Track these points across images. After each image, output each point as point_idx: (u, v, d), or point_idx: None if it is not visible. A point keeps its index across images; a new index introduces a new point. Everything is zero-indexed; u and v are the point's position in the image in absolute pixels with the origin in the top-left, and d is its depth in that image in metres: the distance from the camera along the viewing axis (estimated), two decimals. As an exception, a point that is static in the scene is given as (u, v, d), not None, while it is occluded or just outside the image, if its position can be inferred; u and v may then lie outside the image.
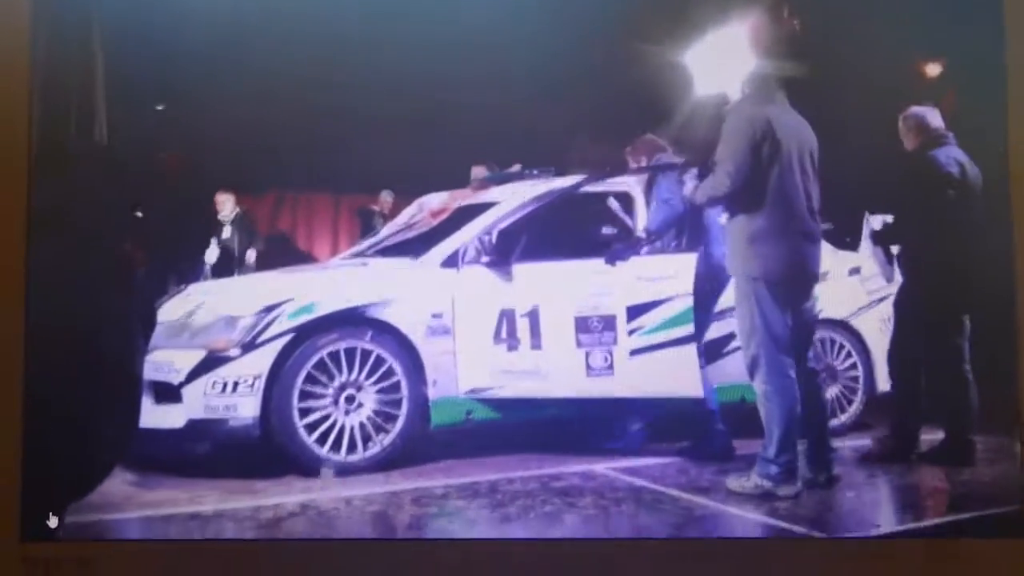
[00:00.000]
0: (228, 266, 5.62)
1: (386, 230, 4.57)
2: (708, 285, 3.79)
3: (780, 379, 3.27)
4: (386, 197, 5.58)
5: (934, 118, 3.78)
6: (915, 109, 3.82)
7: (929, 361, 3.74)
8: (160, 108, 5.24)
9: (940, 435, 3.75)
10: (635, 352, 3.75)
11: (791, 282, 3.33)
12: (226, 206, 5.78)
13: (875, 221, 4.05)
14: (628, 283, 3.82)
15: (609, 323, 3.76)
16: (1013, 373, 2.90)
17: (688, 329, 3.71)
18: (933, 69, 5.37)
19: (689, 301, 3.72)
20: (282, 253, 5.98)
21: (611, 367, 3.75)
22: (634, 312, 3.77)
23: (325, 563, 2.84)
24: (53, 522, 2.88)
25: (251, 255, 5.71)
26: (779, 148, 3.28)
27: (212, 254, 5.40)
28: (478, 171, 4.47)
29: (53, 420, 2.65)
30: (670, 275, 3.80)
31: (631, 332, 3.76)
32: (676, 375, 3.71)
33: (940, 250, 3.65)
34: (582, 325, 3.78)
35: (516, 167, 4.45)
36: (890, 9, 4.11)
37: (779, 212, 3.29)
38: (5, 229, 2.78)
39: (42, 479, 2.72)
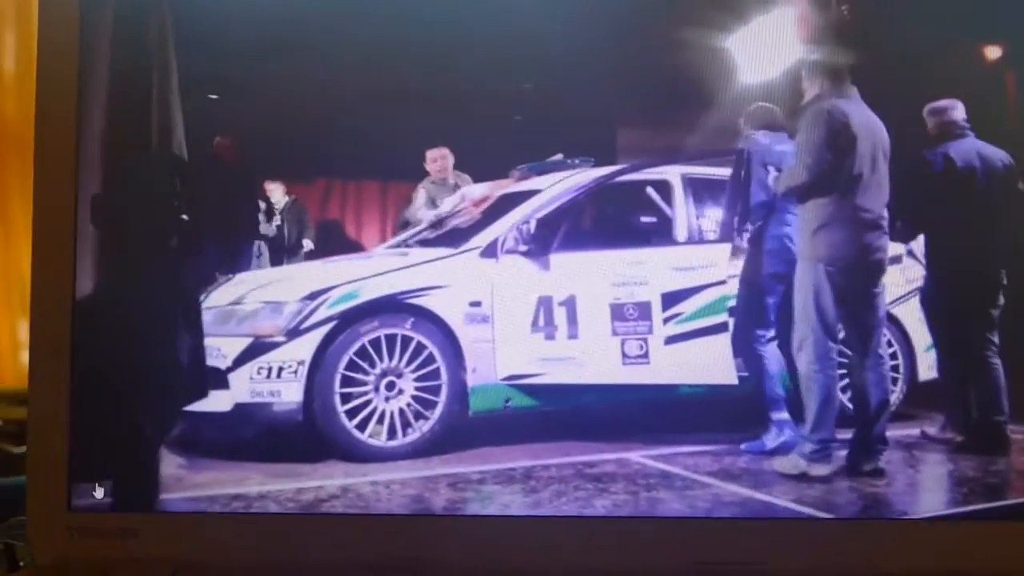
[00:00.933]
0: (279, 255, 5.73)
1: (428, 219, 4.63)
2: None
3: (823, 361, 3.45)
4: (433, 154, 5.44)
5: (955, 111, 3.69)
6: (938, 103, 3.75)
7: (955, 351, 3.72)
8: (214, 97, 5.36)
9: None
10: (670, 340, 3.80)
11: (854, 270, 3.47)
12: (276, 194, 5.89)
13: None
14: (662, 272, 3.87)
15: (644, 311, 3.81)
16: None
17: (721, 318, 3.75)
18: (992, 52, 5.27)
19: (723, 290, 3.78)
20: (332, 241, 6.07)
21: (646, 355, 3.80)
22: (668, 300, 3.82)
23: (361, 536, 2.95)
24: (99, 493, 3.04)
25: (303, 244, 5.82)
26: (854, 141, 3.42)
27: (263, 243, 5.51)
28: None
29: (101, 395, 2.80)
30: (704, 264, 3.85)
31: (666, 320, 3.81)
32: (709, 363, 3.75)
33: (959, 244, 3.63)
34: (617, 313, 3.83)
35: (557, 156, 4.49)
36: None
37: (848, 201, 3.44)
38: (56, 218, 2.92)
39: (89, 451, 2.86)
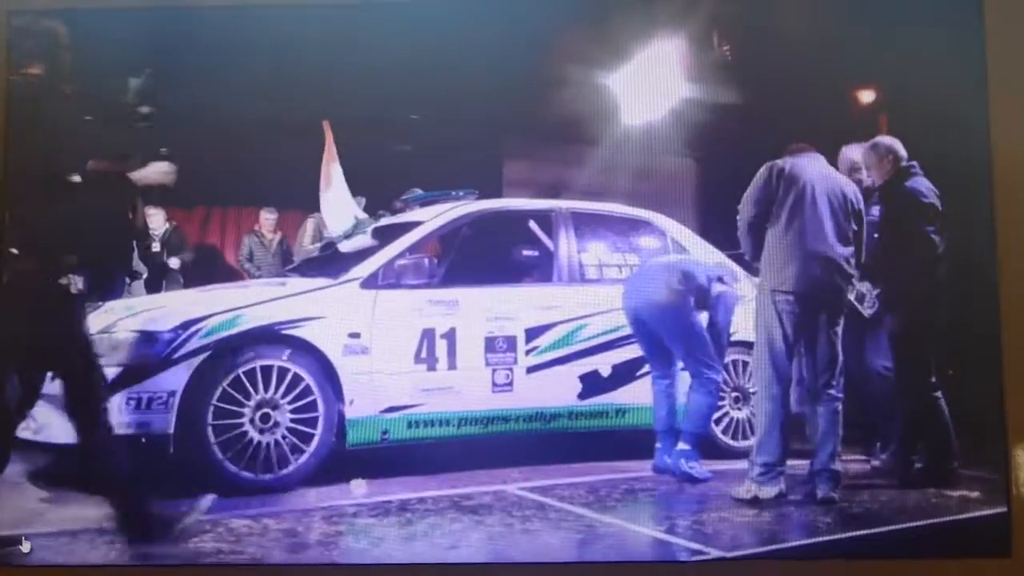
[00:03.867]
0: (157, 282, 5.58)
1: (307, 248, 4.62)
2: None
3: (769, 388, 3.62)
4: (268, 215, 5.38)
5: (901, 148, 3.86)
6: (882, 139, 3.90)
7: (904, 389, 3.84)
8: (88, 119, 5.19)
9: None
10: (531, 369, 4.04)
11: (805, 302, 3.62)
12: (156, 220, 5.73)
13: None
14: (526, 309, 4.06)
15: (511, 343, 3.99)
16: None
17: (571, 349, 4.10)
18: (866, 95, 5.50)
19: (571, 325, 4.10)
20: (211, 269, 5.94)
21: (511, 383, 3.99)
22: (532, 334, 4.04)
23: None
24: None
25: (180, 271, 5.67)
26: (795, 182, 3.65)
27: (138, 270, 5.35)
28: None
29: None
30: (557, 304, 4.11)
31: (528, 352, 4.02)
32: (562, 389, 4.06)
33: (927, 282, 3.78)
34: (490, 345, 3.96)
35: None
36: (824, 33, 4.22)
37: (798, 237, 3.62)
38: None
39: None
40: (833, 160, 3.91)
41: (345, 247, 4.38)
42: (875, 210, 3.89)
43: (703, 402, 3.91)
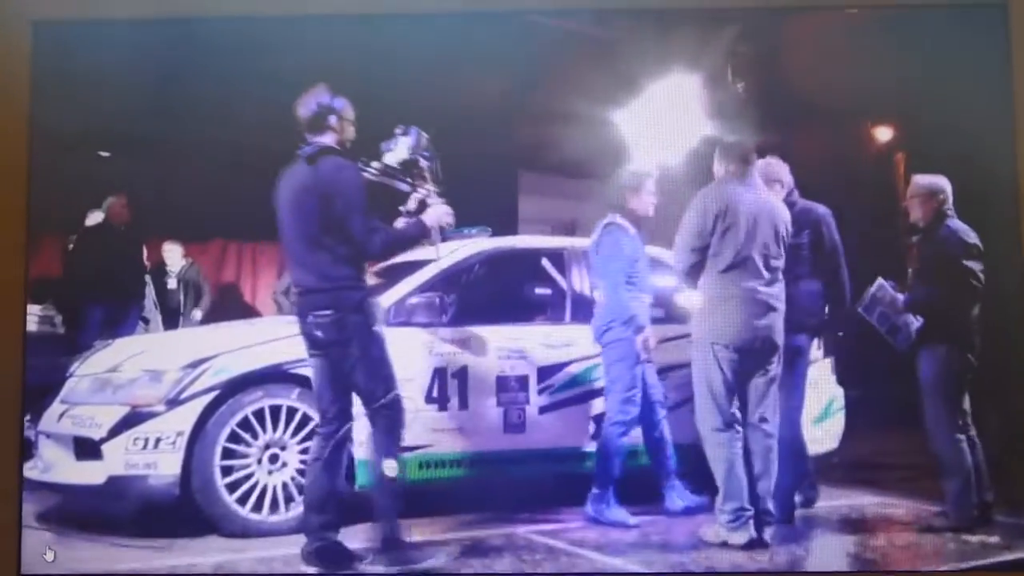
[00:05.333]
0: (175, 319, 5.58)
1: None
2: None
3: (716, 436, 3.49)
4: None
5: (945, 187, 3.81)
6: (935, 179, 3.83)
7: (937, 428, 3.75)
8: (105, 155, 5.23)
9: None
10: (543, 409, 4.00)
11: (742, 349, 3.50)
12: (174, 256, 5.74)
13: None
14: (538, 348, 4.03)
15: (523, 383, 3.96)
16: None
17: (584, 388, 4.07)
18: (884, 132, 5.46)
19: (584, 364, 4.06)
20: (227, 305, 5.95)
21: (523, 423, 3.96)
22: (544, 373, 4.01)
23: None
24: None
25: (198, 309, 5.67)
26: (736, 223, 3.49)
27: (152, 307, 5.35)
28: None
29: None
30: (570, 343, 4.08)
31: (540, 391, 3.98)
32: (575, 430, 4.03)
33: (973, 318, 3.74)
34: (502, 384, 3.93)
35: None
36: (840, 70, 4.19)
37: (731, 282, 3.48)
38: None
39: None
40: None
41: None
42: (804, 235, 3.80)
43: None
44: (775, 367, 3.58)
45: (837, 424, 4.45)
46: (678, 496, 3.91)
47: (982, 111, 3.62)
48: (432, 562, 3.26)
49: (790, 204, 3.77)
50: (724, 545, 3.46)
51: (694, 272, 3.56)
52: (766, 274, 3.52)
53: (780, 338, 3.56)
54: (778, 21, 4.11)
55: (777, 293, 3.56)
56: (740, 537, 3.45)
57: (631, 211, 3.94)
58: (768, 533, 3.50)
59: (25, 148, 3.22)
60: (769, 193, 3.68)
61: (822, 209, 3.86)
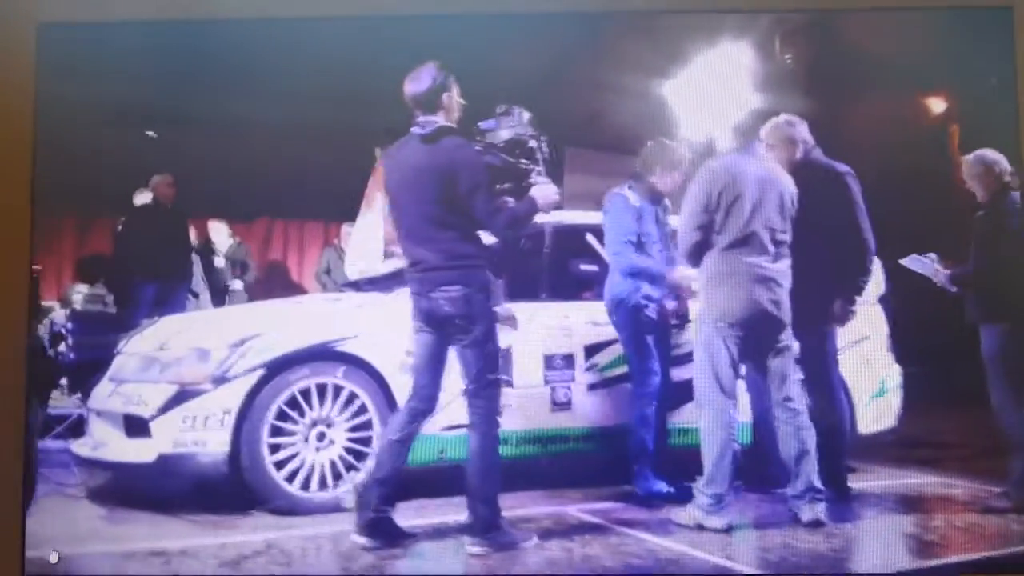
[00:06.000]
0: (222, 297, 5.60)
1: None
2: None
3: (715, 416, 3.43)
4: (348, 229, 5.31)
5: (1005, 161, 3.73)
6: (986, 152, 3.75)
7: (1003, 406, 3.65)
8: (151, 134, 5.25)
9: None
10: (591, 387, 3.95)
11: (747, 326, 3.44)
12: (220, 235, 5.77)
13: (914, 262, 3.93)
14: (584, 326, 3.98)
15: (569, 361, 3.92)
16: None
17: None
18: (937, 104, 5.31)
19: None
20: (273, 283, 5.96)
21: (570, 402, 3.92)
22: (590, 351, 3.96)
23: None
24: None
25: (243, 285, 5.70)
26: (740, 198, 3.42)
27: (200, 283, 5.37)
28: None
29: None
30: None
31: (587, 369, 3.94)
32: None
33: None
34: (548, 363, 3.89)
35: None
36: (889, 42, 4.08)
37: (735, 259, 3.43)
38: None
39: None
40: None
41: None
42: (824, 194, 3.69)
43: None
44: (787, 344, 3.50)
45: (894, 402, 4.34)
46: (640, 483, 3.81)
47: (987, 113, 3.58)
48: (529, 543, 3.24)
49: (809, 163, 3.69)
50: (699, 528, 3.40)
51: (698, 250, 3.50)
52: (772, 249, 3.46)
53: (787, 315, 3.48)
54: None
55: (783, 269, 3.49)
56: (717, 521, 3.39)
57: (650, 184, 3.88)
58: (822, 511, 3.43)
59: (30, 147, 3.21)
60: (774, 164, 3.60)
61: (842, 167, 3.76)
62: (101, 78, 3.70)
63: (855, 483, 3.89)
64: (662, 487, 3.75)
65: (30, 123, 3.13)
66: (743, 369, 3.59)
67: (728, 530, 3.39)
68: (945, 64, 3.86)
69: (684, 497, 3.55)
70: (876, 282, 4.27)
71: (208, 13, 3.46)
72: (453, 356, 3.27)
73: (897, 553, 3.34)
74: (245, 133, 4.94)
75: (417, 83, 3.22)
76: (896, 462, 4.29)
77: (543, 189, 3.31)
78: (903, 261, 3.89)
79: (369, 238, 4.55)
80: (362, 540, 3.20)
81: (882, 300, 4.36)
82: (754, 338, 3.46)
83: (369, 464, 3.58)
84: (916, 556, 3.31)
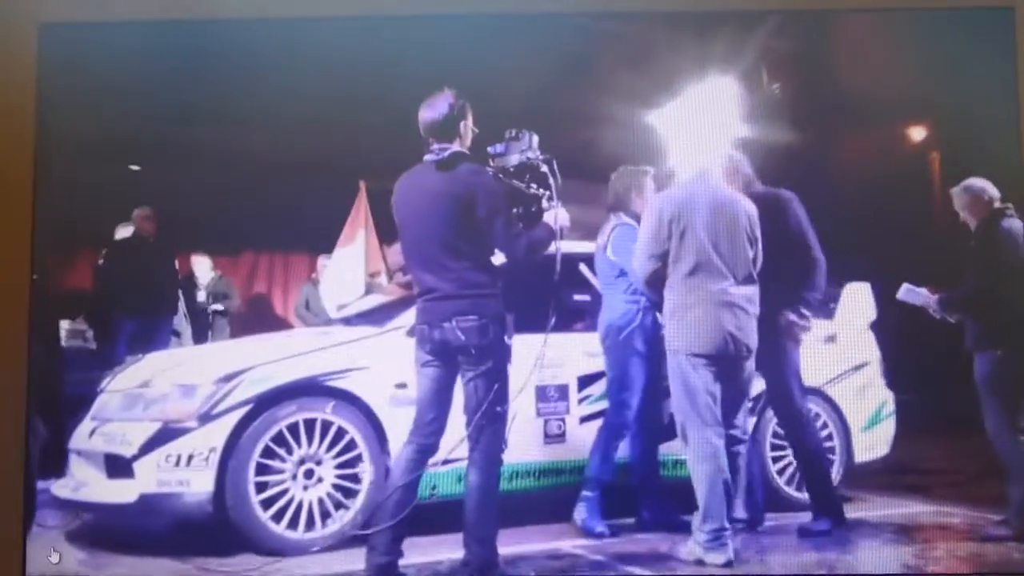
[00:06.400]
0: (204, 332, 5.51)
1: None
2: None
3: (698, 448, 3.39)
4: (325, 262, 5.21)
5: (992, 188, 3.75)
6: (973, 181, 3.77)
7: (999, 432, 3.65)
8: (135, 168, 5.18)
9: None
10: (584, 419, 3.89)
11: (713, 353, 3.41)
12: (202, 268, 5.69)
13: (909, 294, 3.91)
14: (577, 356, 3.93)
15: (563, 392, 3.87)
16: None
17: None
18: (919, 132, 5.34)
19: None
20: (259, 317, 5.88)
21: (563, 434, 3.87)
22: (584, 382, 3.92)
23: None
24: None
25: (228, 321, 5.61)
26: (692, 226, 3.42)
27: (182, 320, 5.29)
28: None
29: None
30: None
31: (581, 401, 3.89)
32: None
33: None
34: (541, 395, 3.84)
35: None
36: (874, 72, 4.09)
37: (697, 287, 3.41)
38: None
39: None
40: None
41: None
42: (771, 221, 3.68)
43: None
44: (751, 369, 3.50)
45: (888, 429, 4.31)
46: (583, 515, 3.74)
47: (989, 114, 3.58)
48: None
49: (751, 195, 3.68)
50: (699, 564, 3.34)
51: (656, 279, 3.51)
52: (734, 274, 3.44)
53: (753, 341, 3.46)
54: (808, 21, 4.05)
55: (750, 295, 3.47)
56: (717, 557, 3.33)
57: (634, 212, 3.86)
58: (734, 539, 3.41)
59: (31, 155, 3.16)
60: (732, 189, 3.60)
61: (786, 193, 3.77)
62: (103, 78, 3.64)
63: (851, 512, 3.84)
64: (596, 526, 3.68)
65: (31, 123, 3.08)
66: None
67: (729, 564, 3.32)
68: (944, 65, 3.84)
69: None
70: (867, 308, 4.25)
71: (208, 13, 3.42)
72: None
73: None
74: (233, 164, 4.90)
75: (434, 111, 3.21)
76: (890, 490, 4.25)
77: (555, 213, 3.28)
78: (899, 296, 3.87)
79: (346, 270, 4.50)
80: None
81: (873, 326, 4.33)
82: (724, 367, 3.44)
83: (360, 502, 3.51)
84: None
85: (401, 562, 3.24)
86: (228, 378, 3.54)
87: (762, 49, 4.69)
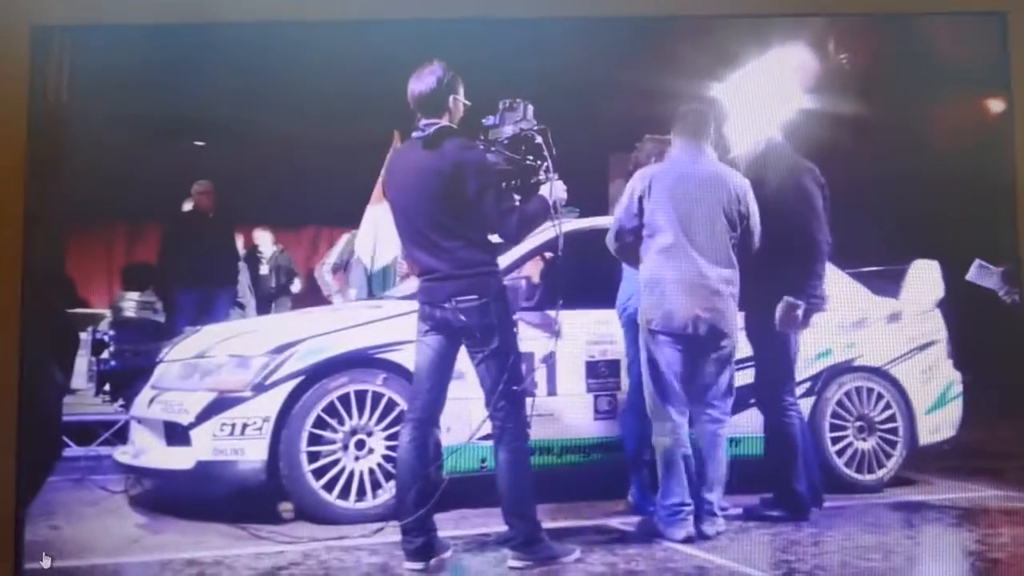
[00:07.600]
0: (266, 306, 5.61)
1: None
2: None
3: (664, 425, 3.33)
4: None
5: None
6: None
7: None
8: (200, 144, 5.28)
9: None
10: None
11: (678, 333, 3.32)
12: (264, 243, 5.79)
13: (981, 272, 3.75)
14: None
15: (614, 368, 3.81)
16: None
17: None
18: (996, 105, 5.15)
19: None
20: (318, 290, 5.95)
21: (614, 410, 3.82)
22: None
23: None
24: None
25: (289, 294, 5.71)
26: (660, 201, 3.33)
27: (247, 293, 5.38)
28: None
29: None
30: None
31: None
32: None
33: None
34: (591, 370, 3.80)
35: None
36: (947, 42, 3.94)
37: (671, 264, 3.32)
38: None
39: None
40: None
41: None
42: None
43: None
44: (727, 350, 3.37)
45: (954, 411, 4.18)
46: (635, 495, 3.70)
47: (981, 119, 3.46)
48: (571, 557, 3.11)
49: (773, 154, 3.61)
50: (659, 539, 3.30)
51: (625, 252, 3.46)
52: (707, 255, 3.33)
53: (728, 323, 3.34)
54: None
55: (727, 276, 3.35)
56: (677, 532, 3.28)
57: None
58: (709, 525, 3.33)
59: (22, 158, 3.17)
60: (721, 165, 3.46)
61: (804, 163, 3.61)
62: (96, 81, 3.69)
63: (915, 495, 3.75)
64: (648, 505, 3.57)
65: (23, 126, 3.11)
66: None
67: (689, 540, 3.26)
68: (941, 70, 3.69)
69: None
70: (934, 286, 4.12)
71: (204, 16, 3.42)
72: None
73: (961, 572, 3.20)
74: (288, 142, 4.94)
75: (422, 83, 3.08)
76: (956, 473, 4.13)
77: (553, 186, 3.16)
78: (969, 277, 3.68)
79: (384, 231, 4.48)
80: (416, 565, 3.05)
81: (940, 305, 4.20)
82: (692, 346, 3.35)
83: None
84: None
85: (450, 533, 3.25)
86: (281, 349, 3.57)
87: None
